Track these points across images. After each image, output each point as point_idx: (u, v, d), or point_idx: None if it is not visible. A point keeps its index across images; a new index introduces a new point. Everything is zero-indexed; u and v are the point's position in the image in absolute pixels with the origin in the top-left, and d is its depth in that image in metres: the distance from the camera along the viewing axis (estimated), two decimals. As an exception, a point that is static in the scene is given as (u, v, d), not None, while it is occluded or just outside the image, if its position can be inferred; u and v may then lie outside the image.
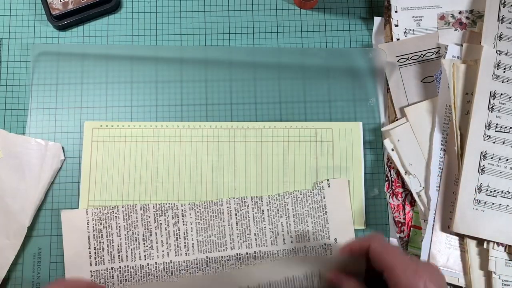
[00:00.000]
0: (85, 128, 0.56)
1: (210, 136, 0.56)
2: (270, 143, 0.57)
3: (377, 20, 0.60)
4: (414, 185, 0.54)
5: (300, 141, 0.57)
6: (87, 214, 0.54)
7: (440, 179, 0.54)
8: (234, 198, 0.55)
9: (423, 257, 0.52)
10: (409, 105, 0.57)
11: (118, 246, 0.53)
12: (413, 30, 0.58)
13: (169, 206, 0.54)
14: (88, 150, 0.56)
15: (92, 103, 0.57)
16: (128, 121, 0.57)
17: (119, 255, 0.53)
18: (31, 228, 0.54)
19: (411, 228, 0.54)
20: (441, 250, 0.53)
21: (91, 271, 0.53)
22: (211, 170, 0.56)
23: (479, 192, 0.53)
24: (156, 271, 0.53)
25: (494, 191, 0.53)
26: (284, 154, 0.56)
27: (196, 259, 0.53)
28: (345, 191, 0.55)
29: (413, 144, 0.55)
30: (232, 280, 0.48)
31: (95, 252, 0.53)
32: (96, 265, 0.53)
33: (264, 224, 0.54)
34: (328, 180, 0.56)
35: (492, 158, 0.53)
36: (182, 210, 0.54)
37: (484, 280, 0.52)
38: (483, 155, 0.53)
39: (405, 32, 0.58)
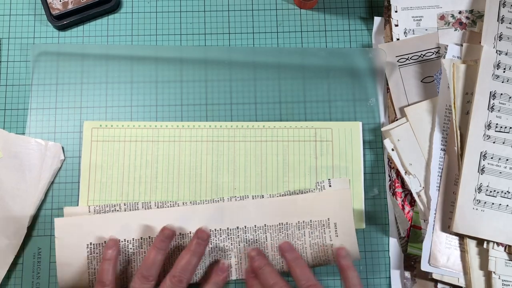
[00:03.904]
0: (84, 128, 0.56)
1: (210, 136, 0.57)
2: (270, 143, 0.57)
3: (377, 20, 0.60)
4: (414, 185, 0.54)
5: (300, 141, 0.57)
6: (89, 211, 0.54)
7: (440, 179, 0.54)
8: (235, 196, 0.55)
9: (424, 257, 0.52)
10: (409, 105, 0.57)
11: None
12: (413, 30, 0.58)
13: (170, 205, 0.55)
14: (87, 150, 0.56)
15: (92, 103, 0.57)
16: (128, 121, 0.57)
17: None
18: (31, 228, 0.54)
19: (411, 228, 0.54)
20: (441, 250, 0.53)
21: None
22: (210, 169, 0.56)
23: (479, 192, 0.53)
24: None
25: (494, 191, 0.53)
26: (283, 154, 0.57)
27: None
28: (346, 190, 0.55)
29: (413, 144, 0.55)
30: (231, 217, 0.54)
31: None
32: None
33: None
34: (329, 179, 0.56)
35: (492, 158, 0.53)
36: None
37: (484, 280, 0.52)
38: (483, 155, 0.53)
39: (405, 32, 0.58)
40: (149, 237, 0.53)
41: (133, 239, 0.53)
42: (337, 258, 0.50)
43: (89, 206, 0.54)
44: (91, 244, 0.53)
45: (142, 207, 0.54)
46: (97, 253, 0.53)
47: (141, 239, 0.53)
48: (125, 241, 0.53)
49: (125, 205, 0.54)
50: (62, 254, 0.52)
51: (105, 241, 0.53)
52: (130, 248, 0.53)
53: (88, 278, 0.52)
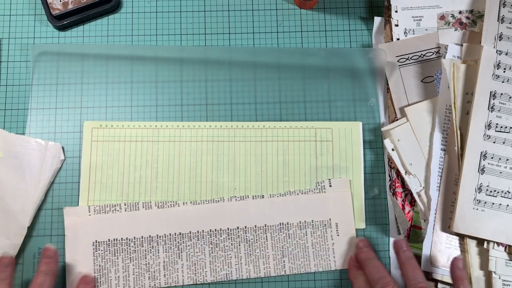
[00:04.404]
0: (84, 128, 0.56)
1: (210, 136, 0.56)
2: (270, 143, 0.57)
3: (377, 20, 0.60)
4: (414, 185, 0.54)
5: (300, 141, 0.57)
6: (89, 212, 0.54)
7: (440, 179, 0.54)
8: (235, 196, 0.55)
9: (424, 257, 0.52)
10: (409, 105, 0.57)
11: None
12: (413, 30, 0.58)
13: (170, 205, 0.55)
14: (87, 150, 0.56)
15: (92, 103, 0.57)
16: (128, 121, 0.57)
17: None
18: (31, 228, 0.54)
19: (411, 228, 0.54)
20: (442, 250, 0.53)
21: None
22: (210, 170, 0.56)
23: (479, 192, 0.53)
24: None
25: (494, 191, 0.53)
26: (283, 154, 0.56)
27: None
28: (346, 190, 0.55)
29: (413, 144, 0.55)
30: (231, 217, 0.54)
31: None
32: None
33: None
34: (329, 179, 0.56)
35: (492, 158, 0.53)
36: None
37: (484, 280, 0.52)
38: (483, 155, 0.53)
39: (405, 32, 0.58)
40: (150, 236, 0.54)
41: (134, 237, 0.53)
42: (453, 268, 0.50)
43: (89, 206, 0.54)
44: (96, 242, 0.53)
45: (143, 207, 0.54)
46: (101, 250, 0.53)
47: (142, 238, 0.54)
48: (127, 239, 0.53)
49: (125, 205, 0.54)
50: (71, 252, 0.53)
51: (109, 239, 0.53)
52: (132, 247, 0.53)
53: (94, 275, 0.53)
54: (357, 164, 0.56)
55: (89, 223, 0.54)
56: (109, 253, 0.53)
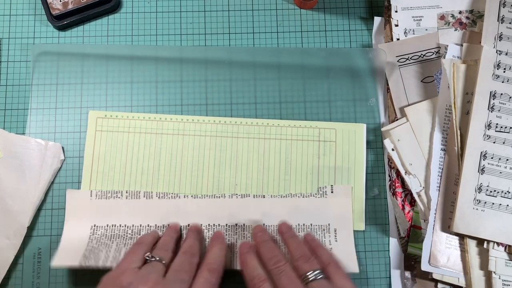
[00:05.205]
0: (89, 117, 0.56)
1: (214, 131, 0.56)
2: (273, 141, 0.57)
3: (377, 20, 0.60)
4: (414, 185, 0.54)
5: (303, 140, 0.57)
6: (91, 196, 0.54)
7: (440, 179, 0.54)
8: (236, 194, 0.55)
9: (424, 257, 0.52)
10: (409, 105, 0.57)
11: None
12: (413, 30, 0.59)
13: (172, 196, 0.55)
14: (91, 139, 0.56)
15: (92, 103, 0.57)
16: (133, 112, 0.57)
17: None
18: (31, 228, 0.54)
19: (411, 228, 0.54)
20: (442, 250, 0.53)
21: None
22: (212, 165, 0.56)
23: (479, 192, 0.53)
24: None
25: (494, 191, 0.53)
26: (286, 152, 0.56)
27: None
28: (347, 197, 0.55)
29: (413, 144, 0.55)
30: (232, 213, 0.54)
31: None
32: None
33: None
34: (331, 185, 0.56)
35: (492, 158, 0.53)
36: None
37: (484, 280, 0.52)
38: (483, 155, 0.53)
39: (405, 32, 0.58)
40: (148, 225, 0.54)
41: (132, 225, 0.54)
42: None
43: (91, 191, 0.54)
44: (94, 226, 0.53)
45: (144, 196, 0.55)
46: (98, 234, 0.53)
47: (140, 226, 0.54)
48: (125, 226, 0.54)
49: (127, 192, 0.55)
50: (68, 233, 0.53)
51: (107, 224, 0.53)
52: (129, 234, 0.53)
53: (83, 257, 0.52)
54: (359, 165, 0.56)
55: (90, 207, 0.54)
56: (105, 238, 0.53)
